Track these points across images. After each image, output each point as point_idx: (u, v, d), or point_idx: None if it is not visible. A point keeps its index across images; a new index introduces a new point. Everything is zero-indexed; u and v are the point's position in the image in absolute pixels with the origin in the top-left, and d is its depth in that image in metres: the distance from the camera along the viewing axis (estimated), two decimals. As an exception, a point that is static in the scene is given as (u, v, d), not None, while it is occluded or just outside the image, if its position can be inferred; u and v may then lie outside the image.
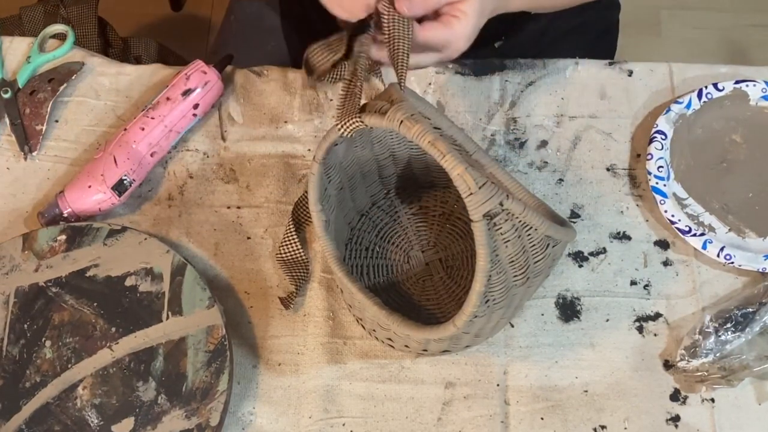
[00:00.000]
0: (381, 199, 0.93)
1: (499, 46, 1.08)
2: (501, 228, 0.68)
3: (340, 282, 0.80)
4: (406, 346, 0.83)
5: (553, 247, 0.73)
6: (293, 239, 0.89)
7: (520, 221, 0.69)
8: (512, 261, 0.71)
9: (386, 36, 0.74)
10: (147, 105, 0.94)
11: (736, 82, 0.96)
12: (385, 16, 0.74)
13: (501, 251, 0.69)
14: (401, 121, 0.67)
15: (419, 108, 0.73)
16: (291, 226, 0.89)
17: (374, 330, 0.84)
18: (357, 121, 0.71)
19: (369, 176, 0.89)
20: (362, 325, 0.86)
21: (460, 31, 0.76)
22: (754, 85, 0.96)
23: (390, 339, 0.83)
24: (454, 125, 0.77)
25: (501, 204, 0.67)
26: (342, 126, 0.71)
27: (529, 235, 0.70)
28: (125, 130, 0.93)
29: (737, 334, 0.83)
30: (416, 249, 0.91)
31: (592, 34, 1.14)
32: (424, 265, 0.90)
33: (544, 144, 0.96)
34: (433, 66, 0.97)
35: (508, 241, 0.69)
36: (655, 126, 0.94)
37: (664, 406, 0.83)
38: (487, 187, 0.66)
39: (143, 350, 0.83)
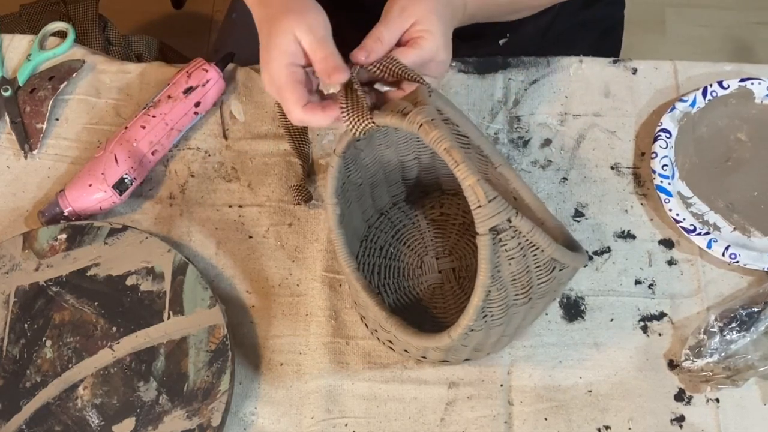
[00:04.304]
0: (402, 200, 0.92)
1: (504, 43, 1.07)
2: (506, 245, 0.67)
3: (347, 278, 0.79)
4: (406, 350, 0.83)
5: (560, 270, 0.71)
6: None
7: (526, 240, 0.67)
8: (514, 279, 0.70)
9: (377, 70, 0.74)
10: (148, 103, 0.94)
11: (741, 80, 0.95)
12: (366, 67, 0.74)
13: (504, 268, 0.68)
14: (420, 124, 0.66)
15: (448, 114, 0.72)
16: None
17: (376, 330, 0.84)
18: (368, 122, 0.70)
19: (392, 175, 0.87)
20: (365, 324, 0.86)
21: (431, 45, 0.75)
22: (760, 83, 0.95)
23: (390, 342, 0.83)
24: (482, 135, 0.76)
25: (509, 220, 0.66)
26: (353, 125, 0.71)
27: (534, 255, 0.69)
28: (126, 128, 0.92)
29: (742, 333, 0.82)
30: (431, 255, 0.90)
31: (597, 31, 1.14)
32: (437, 273, 0.89)
33: (547, 142, 0.95)
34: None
35: (513, 258, 0.68)
36: (659, 124, 0.93)
37: (668, 406, 0.83)
38: (497, 201, 0.65)
39: (144, 350, 0.82)
